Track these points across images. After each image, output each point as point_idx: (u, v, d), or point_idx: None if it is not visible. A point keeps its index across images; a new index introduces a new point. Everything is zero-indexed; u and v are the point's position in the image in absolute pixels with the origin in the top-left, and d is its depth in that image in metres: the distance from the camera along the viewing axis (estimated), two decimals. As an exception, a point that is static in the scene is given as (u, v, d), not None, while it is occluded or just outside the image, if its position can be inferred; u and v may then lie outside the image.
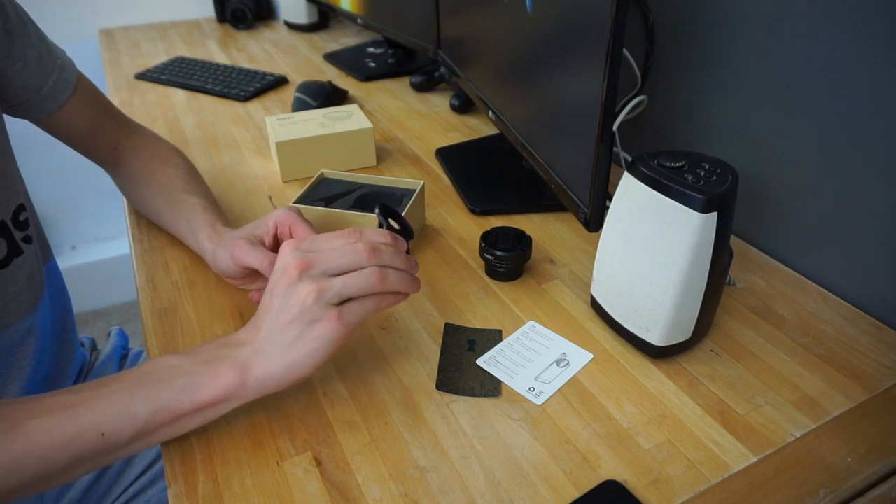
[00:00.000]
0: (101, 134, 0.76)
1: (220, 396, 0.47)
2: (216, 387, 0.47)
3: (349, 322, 0.49)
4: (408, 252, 0.54)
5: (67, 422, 0.44)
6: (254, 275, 0.66)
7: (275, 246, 0.65)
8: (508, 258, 0.67)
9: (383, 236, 0.52)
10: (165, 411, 0.46)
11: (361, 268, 0.50)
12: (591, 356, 0.60)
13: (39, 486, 0.45)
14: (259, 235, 0.64)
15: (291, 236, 0.62)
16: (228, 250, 0.63)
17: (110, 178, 0.81)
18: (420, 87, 1.23)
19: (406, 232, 0.58)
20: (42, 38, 0.69)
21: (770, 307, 0.66)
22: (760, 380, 0.57)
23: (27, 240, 0.64)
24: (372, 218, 0.71)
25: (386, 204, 0.59)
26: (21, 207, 0.64)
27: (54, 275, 0.74)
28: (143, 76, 1.31)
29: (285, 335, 0.48)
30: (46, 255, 0.72)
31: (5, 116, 0.66)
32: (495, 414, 0.54)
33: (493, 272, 0.69)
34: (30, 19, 0.67)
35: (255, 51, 1.51)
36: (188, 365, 0.48)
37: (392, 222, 0.58)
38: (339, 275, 0.49)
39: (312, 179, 0.79)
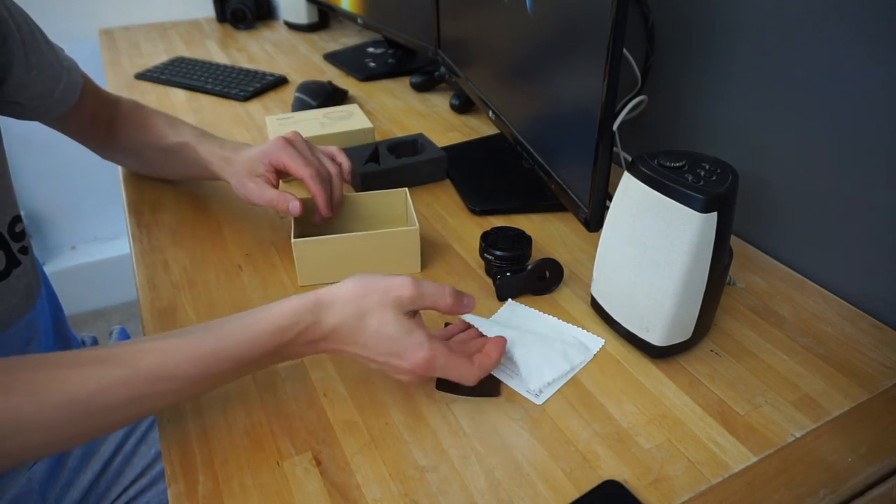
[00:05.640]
0: (98, 120, 0.80)
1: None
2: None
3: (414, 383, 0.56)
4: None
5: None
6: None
7: (275, 179, 0.71)
8: (508, 258, 0.67)
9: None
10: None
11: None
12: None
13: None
14: (261, 174, 0.70)
15: (286, 168, 0.70)
16: (239, 190, 0.71)
17: (110, 178, 0.82)
18: (420, 87, 1.23)
19: None
20: (48, 41, 0.70)
21: (770, 307, 0.66)
22: (760, 380, 0.57)
23: (24, 251, 0.64)
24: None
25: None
26: (17, 219, 0.64)
27: (41, 272, 0.74)
28: (143, 76, 1.31)
29: (373, 360, 0.51)
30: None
31: (1, 126, 0.66)
32: (495, 414, 0.54)
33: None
34: (36, 26, 0.68)
35: (255, 51, 1.51)
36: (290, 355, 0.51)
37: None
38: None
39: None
